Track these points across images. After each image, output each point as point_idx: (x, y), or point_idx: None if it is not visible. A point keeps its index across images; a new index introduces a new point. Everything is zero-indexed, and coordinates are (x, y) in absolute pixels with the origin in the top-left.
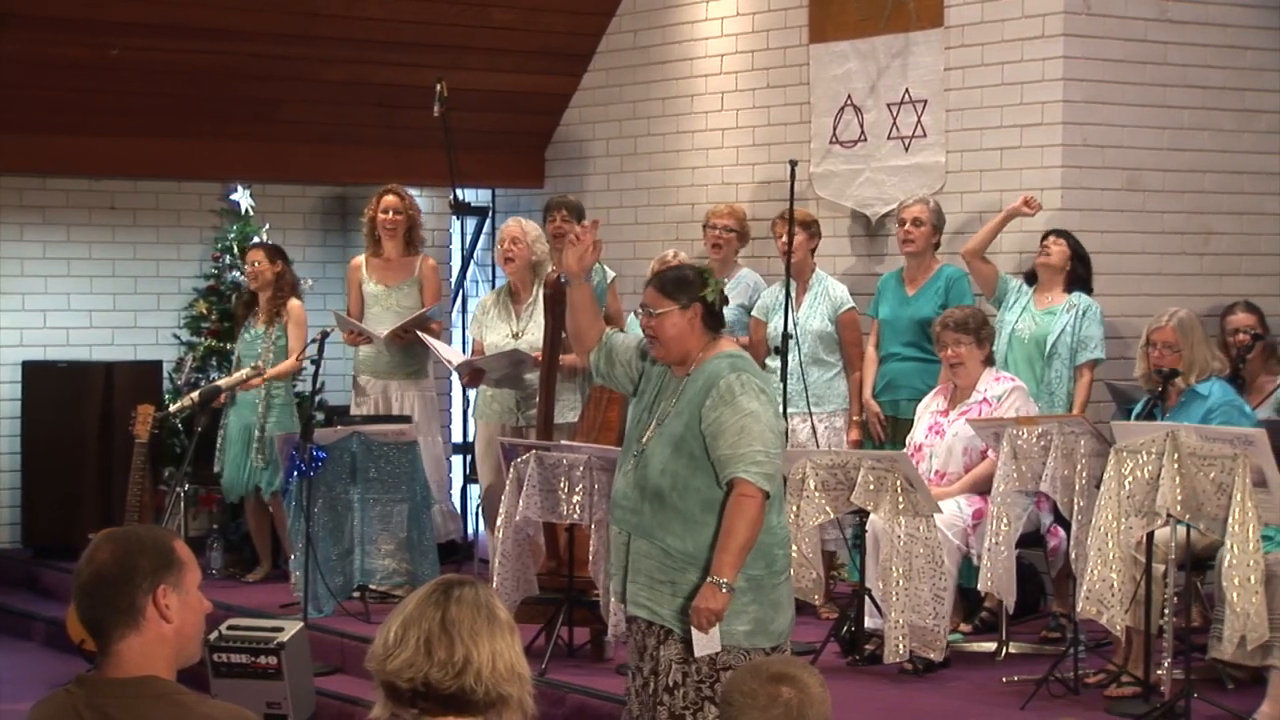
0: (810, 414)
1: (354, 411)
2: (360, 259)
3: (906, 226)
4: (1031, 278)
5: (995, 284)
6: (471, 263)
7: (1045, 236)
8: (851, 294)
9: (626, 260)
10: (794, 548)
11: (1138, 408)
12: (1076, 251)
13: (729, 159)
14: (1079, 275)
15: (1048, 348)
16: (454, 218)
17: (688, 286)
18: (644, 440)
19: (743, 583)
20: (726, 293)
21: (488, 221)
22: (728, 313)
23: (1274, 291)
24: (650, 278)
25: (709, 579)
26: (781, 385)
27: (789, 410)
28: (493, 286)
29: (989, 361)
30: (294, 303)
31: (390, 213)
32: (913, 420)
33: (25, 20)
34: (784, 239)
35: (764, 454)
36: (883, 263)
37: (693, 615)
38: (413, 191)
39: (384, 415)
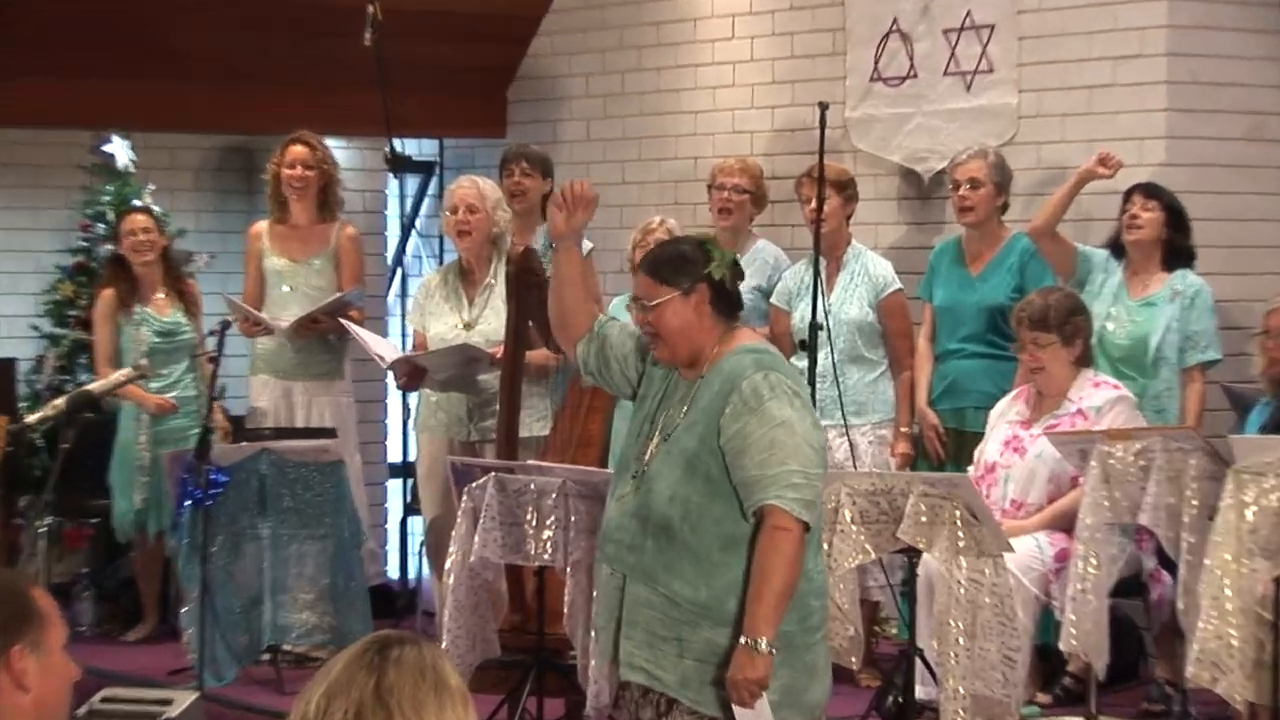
0: (846, 426)
1: (251, 422)
2: (261, 226)
3: (962, 190)
4: (1119, 249)
5: (1073, 263)
6: (413, 233)
7: (1128, 197)
8: (898, 273)
9: (610, 230)
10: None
11: (1255, 415)
12: (1171, 215)
13: (741, 100)
14: (1178, 248)
15: (1151, 352)
16: (390, 176)
17: (687, 265)
18: (646, 458)
19: None
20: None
21: (434, 181)
22: (743, 299)
23: None
24: (641, 261)
25: (742, 641)
26: (810, 390)
27: (824, 419)
28: (439, 263)
29: (1083, 361)
30: (192, 284)
31: (297, 167)
32: (981, 433)
33: None
34: (812, 203)
35: (802, 475)
36: (940, 233)
37: (730, 690)
38: (337, 143)
39: (303, 430)
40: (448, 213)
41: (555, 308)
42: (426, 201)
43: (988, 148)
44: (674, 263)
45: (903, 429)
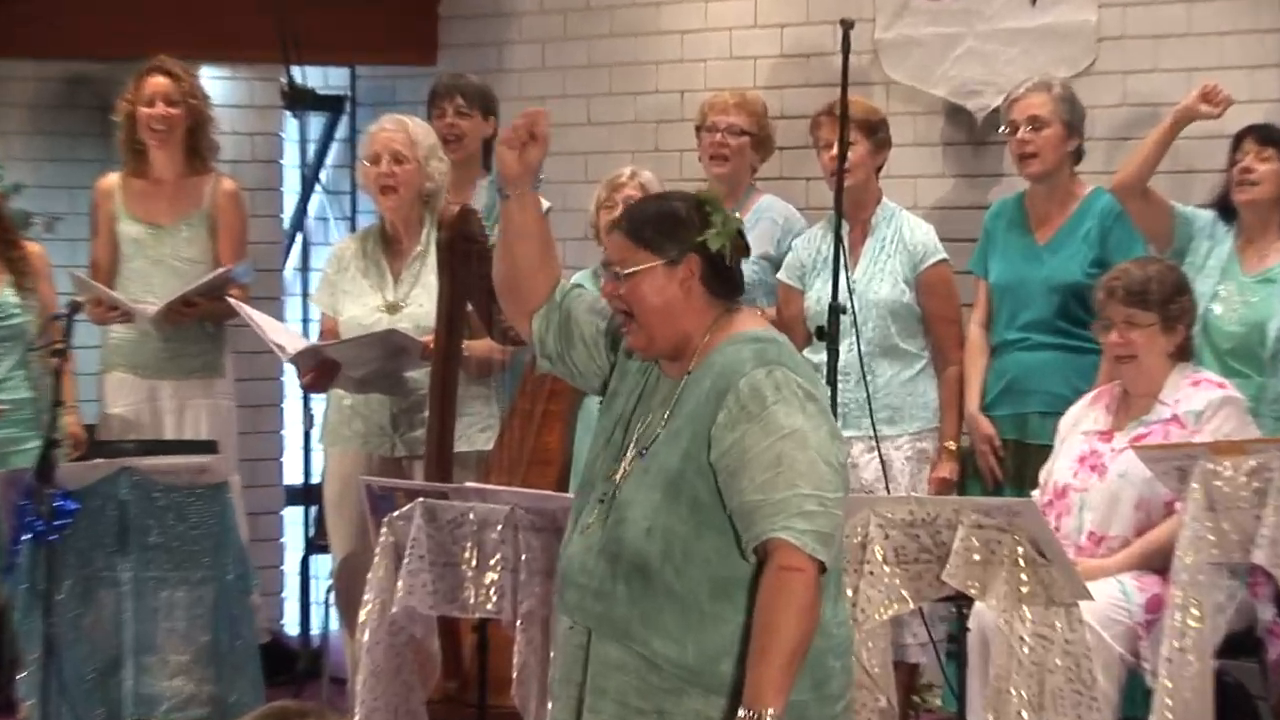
0: (877, 437)
1: (105, 433)
2: (112, 180)
3: (1021, 132)
4: (1228, 210)
5: (1169, 228)
6: (317, 189)
7: (1239, 143)
8: (943, 240)
9: (571, 185)
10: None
11: None
12: None
13: (741, 16)
14: None
15: (1270, 342)
16: (287, 115)
17: (678, 227)
18: (617, 478)
19: None
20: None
21: (344, 121)
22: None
23: None
24: (620, 215)
25: (742, 714)
26: (830, 391)
27: (841, 431)
28: (353, 227)
29: (1183, 355)
30: (34, 249)
31: (157, 104)
32: (1049, 446)
33: None
34: (832, 150)
35: (816, 500)
36: (996, 188)
37: None
38: (219, 72)
39: (174, 443)
40: (366, 162)
41: (504, 269)
42: (335, 148)
43: (1053, 79)
44: (661, 222)
45: (948, 442)
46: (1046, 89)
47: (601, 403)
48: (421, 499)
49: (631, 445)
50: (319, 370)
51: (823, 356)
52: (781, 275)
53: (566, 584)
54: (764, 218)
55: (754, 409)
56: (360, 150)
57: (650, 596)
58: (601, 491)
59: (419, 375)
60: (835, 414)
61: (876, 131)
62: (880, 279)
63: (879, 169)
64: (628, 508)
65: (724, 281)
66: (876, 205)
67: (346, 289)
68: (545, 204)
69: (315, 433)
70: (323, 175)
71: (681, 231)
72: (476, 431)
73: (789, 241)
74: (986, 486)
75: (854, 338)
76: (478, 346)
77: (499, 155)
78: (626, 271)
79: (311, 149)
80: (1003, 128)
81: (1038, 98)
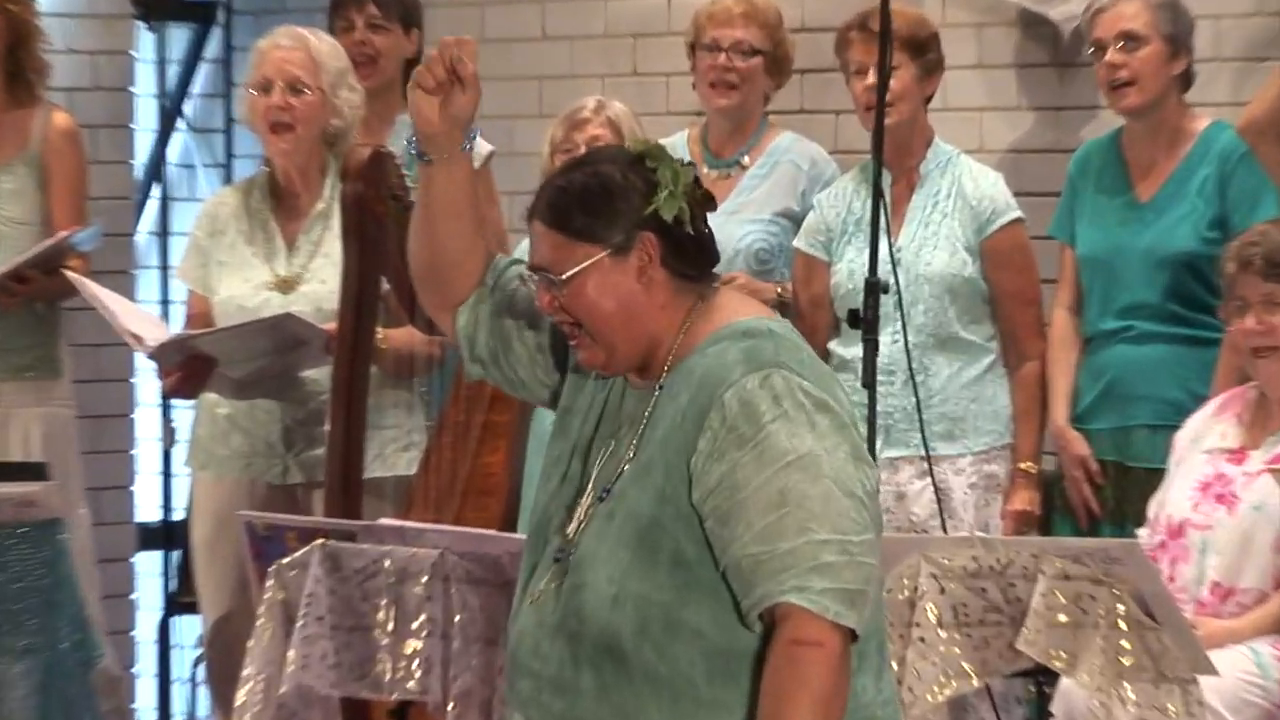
0: (929, 457)
1: None
2: None
3: (1110, 54)
4: None
5: None
6: (181, 124)
7: None
8: (1018, 196)
9: (520, 121)
10: None
11: None
12: None
13: None
14: None
15: None
16: (142, 28)
17: (614, 201)
18: (573, 528)
19: None
20: (750, 183)
21: (215, 37)
22: (746, 232)
23: None
24: (533, 206)
25: None
26: (869, 396)
27: (883, 449)
28: (229, 178)
29: None
30: None
31: None
32: (1160, 470)
33: None
34: (866, 76)
35: (836, 547)
36: (1091, 124)
37: None
38: None
39: None
40: (251, 91)
41: (421, 252)
42: (204, 71)
43: None
44: (591, 199)
45: (1026, 463)
46: None
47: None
48: (321, 541)
49: (590, 484)
50: (186, 369)
51: (856, 351)
52: (799, 243)
53: (517, 671)
54: (782, 161)
55: (746, 430)
56: (246, 76)
57: (626, 686)
58: (554, 546)
59: (319, 375)
60: (874, 427)
61: (925, 50)
62: (933, 246)
63: (929, 100)
64: (588, 568)
65: (692, 256)
66: (927, 149)
67: (223, 259)
68: (485, 149)
69: (179, 453)
70: (188, 108)
71: (622, 204)
72: (396, 450)
73: (809, 199)
74: (1075, 525)
75: (899, 325)
76: (397, 337)
77: (413, 105)
78: (563, 276)
79: (173, 73)
80: (1088, 48)
81: (1130, 6)
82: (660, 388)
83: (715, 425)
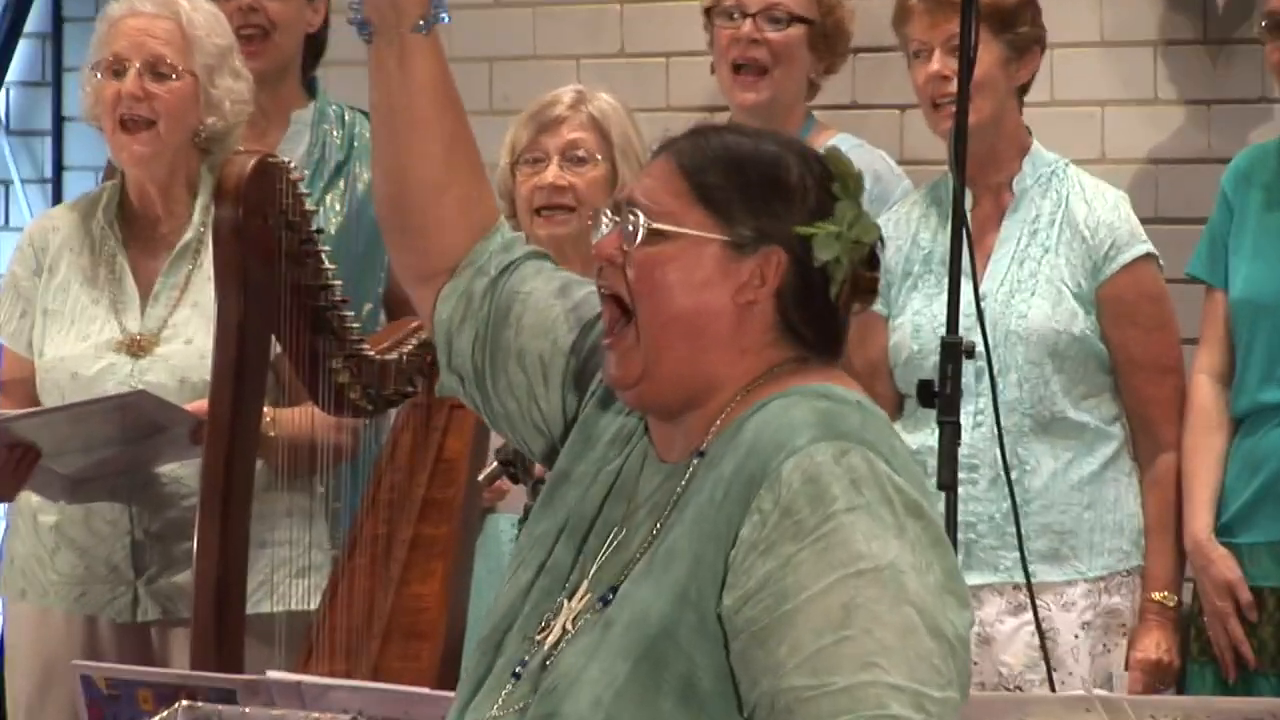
0: (1029, 585)
1: None
2: None
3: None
4: None
5: None
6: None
7: None
8: (1153, 223)
9: (474, 119)
10: None
11: None
12: None
13: None
14: None
15: None
16: None
17: (773, 194)
18: (551, 637)
19: None
20: None
21: (40, 4)
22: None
23: None
24: (672, 139)
25: None
26: (946, 501)
27: (972, 573)
28: (58, 196)
29: None
30: None
31: None
32: None
33: None
34: (932, 61)
35: (910, 699)
36: (1263, 126)
37: None
38: None
39: None
40: (96, 74)
41: (384, 182)
42: (24, 48)
43: None
44: (747, 171)
45: (1161, 594)
46: None
47: (534, 493)
48: (186, 703)
49: (588, 580)
50: (2, 462)
51: (927, 439)
52: None
53: None
54: None
55: (808, 517)
56: (90, 53)
57: None
58: (521, 655)
59: (184, 472)
60: (956, 540)
61: (1016, 22)
62: (1030, 292)
63: (1024, 91)
64: (567, 696)
65: (815, 317)
66: (1022, 159)
67: (51, 307)
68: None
69: None
70: (7, 95)
71: (778, 202)
72: (289, 576)
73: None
74: (1221, 679)
75: (985, 402)
76: (291, 419)
77: None
78: (655, 226)
79: None
80: (1260, 21)
81: None
82: (700, 455)
83: (766, 506)
